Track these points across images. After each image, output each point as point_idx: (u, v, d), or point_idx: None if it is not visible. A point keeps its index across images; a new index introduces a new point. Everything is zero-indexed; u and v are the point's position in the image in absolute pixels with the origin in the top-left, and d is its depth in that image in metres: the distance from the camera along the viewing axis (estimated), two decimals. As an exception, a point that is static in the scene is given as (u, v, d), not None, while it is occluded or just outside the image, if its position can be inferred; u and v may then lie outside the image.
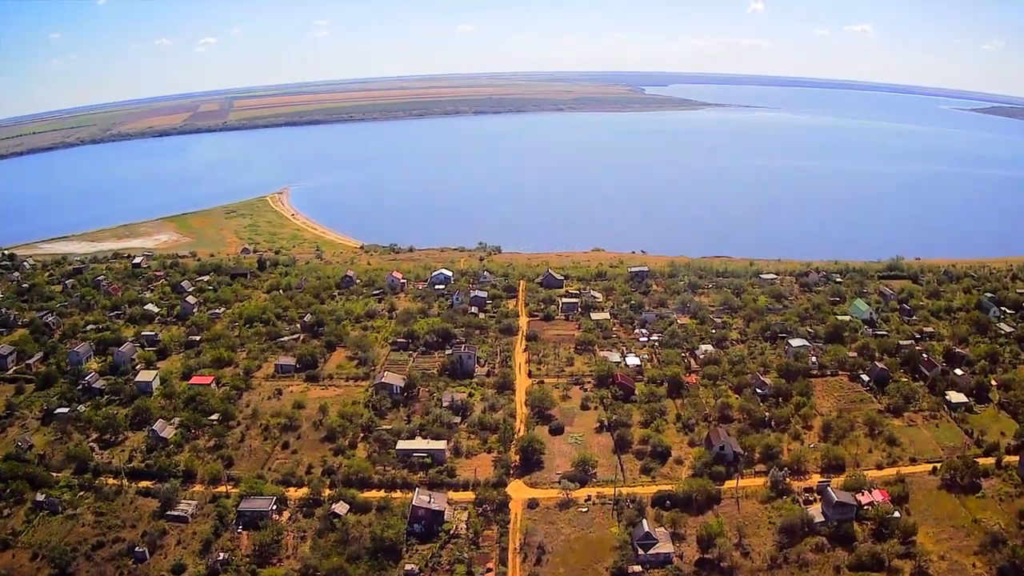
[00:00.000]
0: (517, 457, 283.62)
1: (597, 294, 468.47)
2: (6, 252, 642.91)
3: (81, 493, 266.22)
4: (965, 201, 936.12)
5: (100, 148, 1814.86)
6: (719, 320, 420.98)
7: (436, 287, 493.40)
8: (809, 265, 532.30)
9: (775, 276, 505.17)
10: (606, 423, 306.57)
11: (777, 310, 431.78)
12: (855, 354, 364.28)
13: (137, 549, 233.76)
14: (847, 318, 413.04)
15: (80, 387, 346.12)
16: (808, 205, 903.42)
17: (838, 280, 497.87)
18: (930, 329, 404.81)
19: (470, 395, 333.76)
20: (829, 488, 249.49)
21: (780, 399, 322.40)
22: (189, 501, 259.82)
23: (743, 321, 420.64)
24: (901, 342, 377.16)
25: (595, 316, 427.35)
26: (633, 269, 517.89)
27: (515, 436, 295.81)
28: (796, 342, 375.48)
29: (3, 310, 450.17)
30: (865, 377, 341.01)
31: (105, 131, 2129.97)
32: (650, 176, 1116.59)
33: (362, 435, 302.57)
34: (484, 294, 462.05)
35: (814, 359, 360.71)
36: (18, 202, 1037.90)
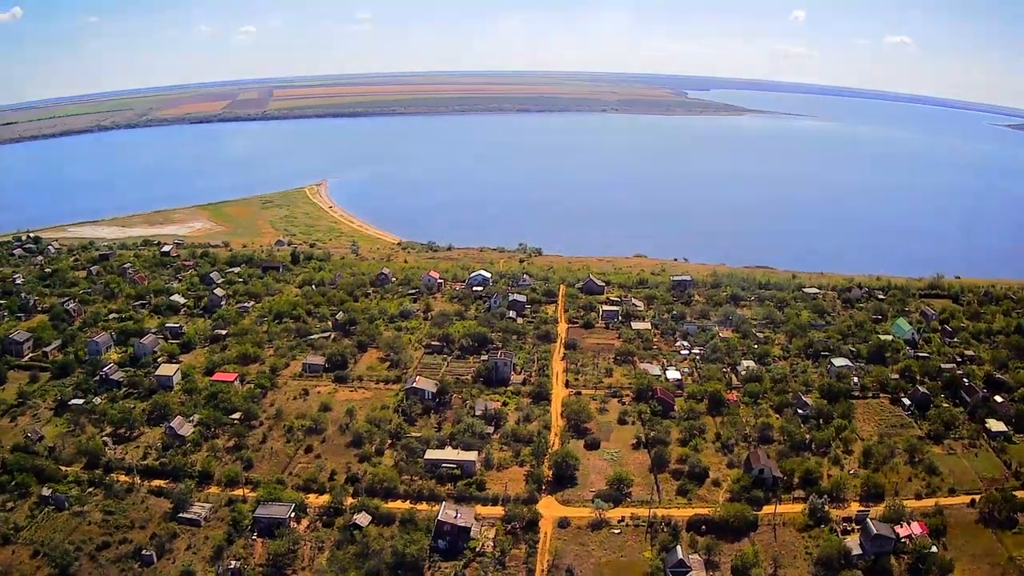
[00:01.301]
0: (550, 472, 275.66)
1: (638, 302, 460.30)
2: (31, 235, 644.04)
3: (90, 490, 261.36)
4: (1006, 218, 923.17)
5: (136, 133, 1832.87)
6: (761, 335, 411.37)
7: (474, 289, 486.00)
8: (851, 280, 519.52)
9: (818, 290, 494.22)
10: (643, 439, 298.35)
11: (820, 326, 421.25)
12: (896, 376, 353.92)
13: (144, 552, 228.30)
14: (889, 338, 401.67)
15: (97, 378, 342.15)
16: (849, 215, 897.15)
17: (880, 297, 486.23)
18: (971, 352, 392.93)
19: (504, 404, 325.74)
20: (868, 519, 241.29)
21: (821, 421, 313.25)
22: (203, 504, 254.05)
23: (786, 337, 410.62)
24: (943, 365, 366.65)
25: (636, 326, 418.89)
26: (676, 278, 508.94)
27: (549, 450, 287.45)
28: (839, 361, 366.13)
29: (23, 295, 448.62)
30: (906, 401, 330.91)
31: (141, 116, 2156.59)
32: (691, 181, 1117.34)
33: (390, 442, 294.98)
34: (523, 298, 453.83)
35: (856, 380, 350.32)
36: (49, 184, 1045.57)
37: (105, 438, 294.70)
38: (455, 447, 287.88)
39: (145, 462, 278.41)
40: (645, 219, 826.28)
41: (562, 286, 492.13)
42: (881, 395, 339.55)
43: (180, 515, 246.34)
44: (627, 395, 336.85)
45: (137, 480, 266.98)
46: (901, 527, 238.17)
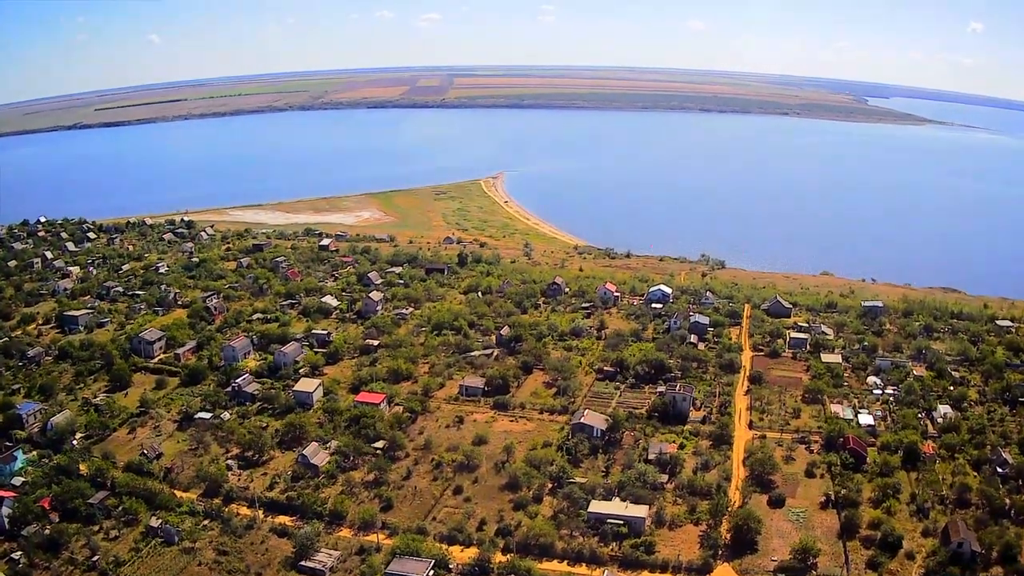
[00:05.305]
0: (728, 534, 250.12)
1: (828, 330, 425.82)
2: (184, 219, 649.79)
3: (205, 522, 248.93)
4: None
5: (309, 115, 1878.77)
6: (956, 373, 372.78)
7: (652, 306, 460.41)
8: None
9: (1011, 323, 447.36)
10: (832, 498, 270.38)
11: (1016, 366, 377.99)
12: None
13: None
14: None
15: (229, 389, 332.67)
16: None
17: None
18: None
19: (681, 447, 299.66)
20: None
21: (1021, 481, 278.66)
22: (330, 551, 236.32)
23: (981, 377, 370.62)
24: None
25: (826, 358, 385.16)
26: (866, 303, 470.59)
27: (729, 507, 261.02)
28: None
29: (164, 287, 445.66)
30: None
31: (316, 99, 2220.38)
32: (879, 194, 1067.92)
33: (550, 487, 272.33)
34: (705, 320, 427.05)
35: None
36: (213, 164, 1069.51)
37: (229, 461, 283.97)
38: (623, 499, 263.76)
39: (271, 494, 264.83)
40: (830, 231, 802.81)
41: (747, 306, 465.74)
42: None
43: (302, 563, 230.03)
44: (816, 441, 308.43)
45: (259, 515, 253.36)
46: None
